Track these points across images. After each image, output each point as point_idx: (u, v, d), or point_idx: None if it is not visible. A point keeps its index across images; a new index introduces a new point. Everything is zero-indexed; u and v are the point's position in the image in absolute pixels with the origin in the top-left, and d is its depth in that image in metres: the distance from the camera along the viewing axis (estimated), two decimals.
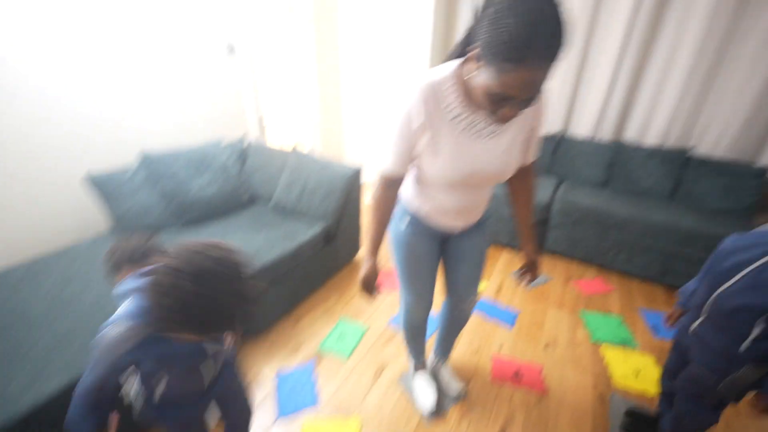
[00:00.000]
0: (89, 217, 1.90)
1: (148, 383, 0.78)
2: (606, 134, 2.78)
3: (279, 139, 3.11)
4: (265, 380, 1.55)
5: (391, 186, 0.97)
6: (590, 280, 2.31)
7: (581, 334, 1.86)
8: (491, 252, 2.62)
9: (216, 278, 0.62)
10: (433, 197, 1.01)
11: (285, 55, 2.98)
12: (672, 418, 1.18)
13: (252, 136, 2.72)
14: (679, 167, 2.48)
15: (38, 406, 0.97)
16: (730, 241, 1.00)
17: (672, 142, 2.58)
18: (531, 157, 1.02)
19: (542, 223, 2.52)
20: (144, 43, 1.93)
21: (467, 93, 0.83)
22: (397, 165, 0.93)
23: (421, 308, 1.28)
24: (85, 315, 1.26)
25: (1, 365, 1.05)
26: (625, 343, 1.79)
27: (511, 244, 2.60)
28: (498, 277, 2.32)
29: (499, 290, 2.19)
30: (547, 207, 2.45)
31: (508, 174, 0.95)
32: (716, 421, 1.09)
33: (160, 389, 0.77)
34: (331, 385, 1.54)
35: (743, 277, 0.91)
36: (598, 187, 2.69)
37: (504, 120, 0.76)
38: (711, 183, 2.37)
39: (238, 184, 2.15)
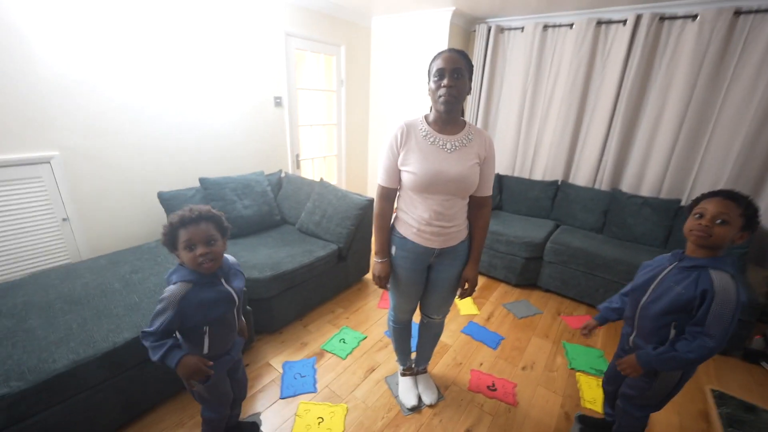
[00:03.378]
0: (154, 225, 2.40)
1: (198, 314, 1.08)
2: (604, 184, 3.02)
3: (311, 173, 3.62)
4: (273, 369, 1.85)
5: (386, 198, 1.34)
6: (579, 317, 2.45)
7: (560, 361, 2.02)
8: (488, 284, 2.84)
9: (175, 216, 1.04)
10: (415, 215, 1.31)
11: (322, 105, 3.57)
12: (617, 420, 1.35)
13: (289, 169, 3.24)
14: (671, 217, 2.64)
15: (115, 349, 1.35)
16: (642, 265, 1.26)
17: (665, 193, 2.78)
18: (486, 191, 1.34)
19: (536, 260, 2.73)
20: (214, 92, 2.53)
21: (432, 122, 1.28)
22: (387, 177, 1.31)
23: (404, 314, 1.57)
24: (149, 292, 1.67)
25: (93, 319, 1.47)
26: (600, 373, 1.92)
27: (507, 279, 2.81)
28: (490, 307, 2.53)
29: (489, 318, 2.40)
30: (541, 246, 2.68)
31: (468, 185, 1.25)
32: (646, 424, 1.26)
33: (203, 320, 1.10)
34: (327, 378, 1.81)
35: (653, 288, 1.16)
36: (594, 231, 2.89)
37: (449, 93, 1.15)
38: None
39: (272, 207, 2.62)
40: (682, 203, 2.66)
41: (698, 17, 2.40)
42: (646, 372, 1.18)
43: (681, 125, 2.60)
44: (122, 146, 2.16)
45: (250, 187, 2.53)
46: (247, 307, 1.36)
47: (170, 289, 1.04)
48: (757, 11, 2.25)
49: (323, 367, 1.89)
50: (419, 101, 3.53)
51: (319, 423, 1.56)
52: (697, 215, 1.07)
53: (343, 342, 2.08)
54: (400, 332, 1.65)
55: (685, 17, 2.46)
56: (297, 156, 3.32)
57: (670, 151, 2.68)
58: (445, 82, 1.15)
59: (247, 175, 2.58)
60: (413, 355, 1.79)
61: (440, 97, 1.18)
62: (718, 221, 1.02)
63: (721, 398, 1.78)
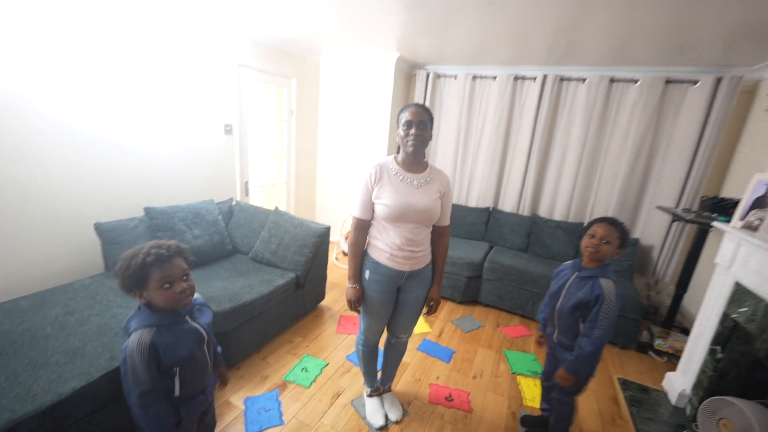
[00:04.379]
0: (88, 259, 2.17)
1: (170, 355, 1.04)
2: (526, 210, 3.54)
3: (259, 201, 3.57)
4: (234, 407, 1.78)
5: (360, 228, 1.49)
6: (515, 327, 2.80)
7: (503, 367, 2.29)
8: None
9: (139, 254, 1.00)
10: (388, 241, 1.45)
11: (272, 134, 3.61)
12: (553, 411, 1.62)
13: (237, 196, 3.17)
14: (578, 237, 3.21)
15: (60, 401, 1.22)
16: (555, 273, 1.61)
17: (572, 217, 3.37)
18: (445, 221, 1.56)
19: (476, 279, 3.06)
20: (160, 117, 2.44)
21: (401, 163, 1.47)
22: (362, 210, 1.47)
23: (375, 336, 1.68)
24: (92, 335, 1.52)
25: (26, 371, 1.29)
26: (536, 374, 2.23)
27: (452, 297, 3.09)
28: (440, 324, 2.75)
29: (440, 334, 2.61)
30: (480, 265, 3.02)
31: (432, 215, 1.45)
32: (575, 406, 1.56)
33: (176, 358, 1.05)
34: (293, 408, 1.80)
35: (563, 295, 1.48)
36: (520, 251, 3.35)
37: (416, 140, 1.37)
38: None
39: (224, 237, 2.54)
40: (585, 225, 3.25)
41: (587, 80, 3.08)
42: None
43: (579, 163, 3.23)
44: (50, 172, 1.96)
45: (201, 216, 2.44)
46: (218, 347, 1.33)
47: (133, 341, 0.98)
48: (625, 80, 2.98)
49: (288, 398, 1.87)
50: (366, 134, 3.77)
51: None
52: (590, 236, 1.43)
53: (306, 371, 2.09)
54: (368, 355, 1.74)
55: (577, 80, 3.14)
56: (246, 183, 3.27)
57: (573, 183, 3.29)
58: (412, 131, 1.38)
59: (196, 204, 2.49)
60: (379, 375, 1.89)
61: (408, 142, 1.40)
62: (604, 241, 1.39)
63: (624, 384, 2.21)
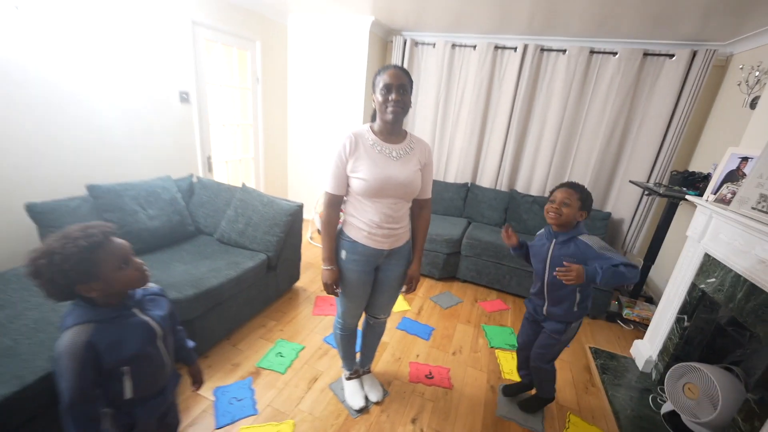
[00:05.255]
0: (20, 246, 1.90)
1: (114, 354, 0.88)
2: (503, 185, 3.52)
3: (224, 178, 3.30)
4: (202, 398, 1.66)
5: (333, 205, 1.36)
6: (492, 301, 2.82)
7: (481, 342, 2.30)
8: None
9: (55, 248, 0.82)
10: (365, 219, 1.33)
11: (236, 103, 3.30)
12: (535, 378, 1.66)
13: (200, 172, 2.90)
14: None
15: None
16: (531, 245, 1.58)
17: (547, 192, 3.38)
18: (426, 194, 1.44)
19: (455, 255, 3.03)
20: (103, 81, 2.12)
21: (378, 132, 1.34)
22: (336, 185, 1.33)
23: (353, 319, 1.59)
24: (29, 331, 1.33)
25: None
26: (513, 348, 2.26)
27: (431, 274, 3.06)
28: (419, 301, 2.72)
29: (419, 312, 2.57)
30: (458, 242, 2.99)
31: (413, 189, 1.34)
32: (555, 369, 1.62)
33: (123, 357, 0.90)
34: (267, 396, 1.71)
35: (549, 267, 1.46)
36: (498, 226, 3.35)
37: (396, 106, 1.23)
38: None
39: (184, 216, 2.32)
40: None
41: (567, 51, 3.00)
42: (556, 330, 1.51)
43: (557, 138, 3.21)
44: None
45: (156, 195, 2.20)
46: (188, 342, 1.19)
47: (64, 340, 0.82)
48: (604, 52, 2.93)
49: (261, 385, 1.77)
50: (340, 104, 3.55)
51: None
52: (551, 201, 1.44)
53: (281, 356, 1.99)
54: (347, 338, 1.66)
55: (558, 50, 3.05)
56: (208, 158, 3.00)
57: (551, 158, 3.28)
58: (392, 96, 1.23)
59: (151, 181, 2.23)
60: (357, 356, 1.82)
61: (388, 109, 1.26)
62: (564, 203, 1.39)
63: (596, 353, 2.28)
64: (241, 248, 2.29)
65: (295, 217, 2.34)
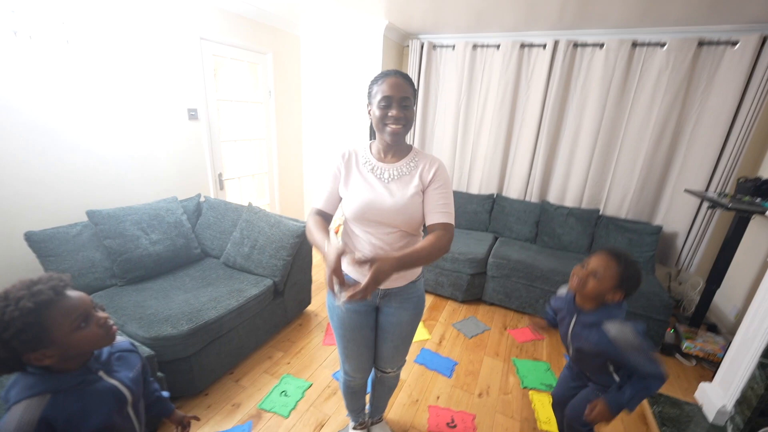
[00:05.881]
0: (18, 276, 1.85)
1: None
2: (534, 196, 3.19)
3: (237, 195, 3.22)
4: None
5: (314, 218, 1.12)
6: (523, 329, 2.51)
7: (512, 381, 2.01)
8: (437, 303, 2.78)
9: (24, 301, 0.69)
10: (355, 248, 1.13)
11: (248, 118, 3.22)
12: None
13: (210, 192, 2.82)
14: (593, 225, 2.88)
15: None
16: (552, 301, 1.32)
17: (585, 203, 3.02)
18: (436, 219, 1.11)
19: (480, 276, 2.75)
20: (106, 104, 2.07)
21: (375, 150, 1.16)
22: (325, 202, 1.16)
23: (357, 374, 1.35)
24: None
25: None
26: (550, 388, 1.95)
27: (453, 297, 2.79)
28: (440, 328, 2.46)
29: (440, 342, 2.32)
30: (484, 261, 2.70)
31: (407, 217, 1.08)
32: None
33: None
34: None
35: (570, 338, 1.21)
36: (528, 242, 3.03)
37: (397, 124, 1.03)
38: (619, 238, 2.77)
39: (190, 239, 2.22)
40: (600, 212, 2.92)
41: (605, 45, 2.67)
42: (588, 399, 1.21)
43: (595, 142, 2.86)
44: None
45: (160, 218, 2.10)
46: (160, 393, 1.04)
47: (11, 419, 0.68)
48: (649, 44, 2.57)
49: (262, 431, 1.59)
50: (355, 115, 3.38)
51: None
52: (582, 265, 1.15)
53: (285, 395, 1.80)
54: (352, 395, 1.45)
55: (594, 45, 2.72)
56: (219, 175, 2.91)
57: (588, 164, 2.93)
58: (393, 112, 1.03)
59: (154, 204, 2.14)
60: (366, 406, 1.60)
61: (387, 129, 1.05)
62: (593, 275, 1.10)
63: (653, 398, 1.92)
64: (246, 273, 2.15)
65: (302, 238, 2.17)
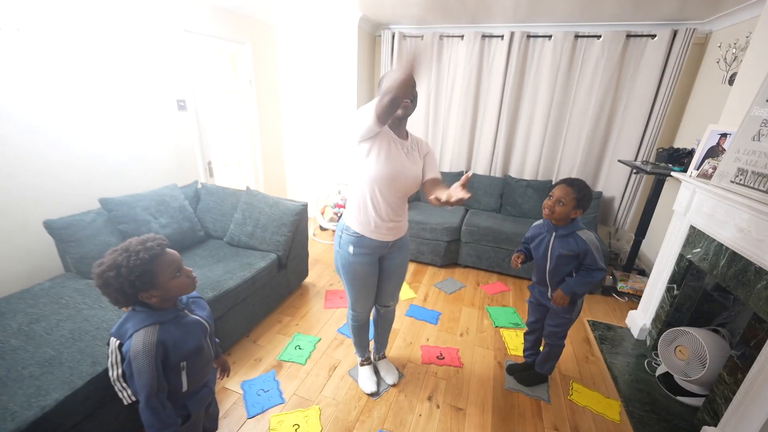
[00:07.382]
0: (40, 261, 1.97)
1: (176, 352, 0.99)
2: (497, 171, 3.62)
3: (225, 181, 3.36)
4: (231, 392, 1.77)
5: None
6: (493, 284, 2.95)
7: (486, 322, 2.43)
8: (419, 269, 3.15)
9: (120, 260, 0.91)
10: (370, 215, 1.41)
11: (231, 107, 3.33)
12: (543, 355, 1.79)
13: (201, 178, 2.96)
14: (547, 194, 3.35)
15: (45, 414, 1.14)
16: (529, 236, 1.70)
17: (540, 176, 3.49)
18: (436, 174, 1.48)
19: (455, 242, 3.15)
20: (104, 97, 2.16)
21: (395, 130, 1.40)
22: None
23: (365, 310, 1.69)
24: (67, 342, 1.41)
25: None
26: (516, 326, 2.40)
27: (433, 262, 3.17)
28: (424, 288, 2.84)
29: (425, 299, 2.70)
30: (458, 229, 3.10)
31: (417, 184, 1.44)
32: (564, 346, 1.77)
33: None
34: (292, 386, 1.82)
35: (550, 258, 1.55)
36: (494, 212, 3.47)
37: (408, 107, 1.32)
38: None
39: (194, 222, 2.39)
40: (553, 183, 3.40)
41: (552, 37, 3.07)
42: (566, 308, 1.62)
43: (547, 122, 3.30)
44: None
45: (166, 203, 2.26)
46: (215, 339, 1.30)
47: (136, 343, 0.92)
48: (588, 36, 3.01)
49: (285, 377, 1.89)
50: (332, 102, 3.59)
51: (296, 430, 1.59)
52: (549, 196, 1.52)
53: (299, 348, 2.10)
54: (360, 329, 1.77)
55: (544, 36, 3.12)
56: (209, 163, 3.05)
57: (542, 142, 3.38)
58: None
59: (159, 190, 2.29)
60: (371, 344, 1.94)
61: (403, 103, 1.32)
62: (559, 203, 1.47)
63: (594, 325, 2.43)
64: (251, 249, 2.37)
65: (301, 216, 2.42)
